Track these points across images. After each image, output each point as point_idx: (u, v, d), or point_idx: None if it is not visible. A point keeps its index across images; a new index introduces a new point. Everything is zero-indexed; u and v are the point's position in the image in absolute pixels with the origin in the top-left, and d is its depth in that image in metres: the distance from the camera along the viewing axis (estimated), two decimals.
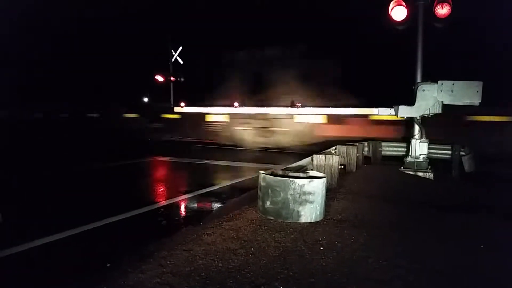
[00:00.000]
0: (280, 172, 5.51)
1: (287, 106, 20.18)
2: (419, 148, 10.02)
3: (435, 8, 9.00)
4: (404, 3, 9.31)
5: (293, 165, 6.70)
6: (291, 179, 4.90)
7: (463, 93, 9.27)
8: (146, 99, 32.46)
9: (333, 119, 18.93)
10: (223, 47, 27.84)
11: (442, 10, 8.85)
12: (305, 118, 19.38)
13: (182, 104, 25.29)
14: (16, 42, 30.37)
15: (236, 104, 23.38)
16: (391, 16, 9.48)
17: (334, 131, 18.51)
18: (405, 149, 10.85)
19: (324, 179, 5.12)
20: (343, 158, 9.17)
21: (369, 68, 20.97)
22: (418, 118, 10.00)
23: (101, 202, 7.06)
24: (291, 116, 19.52)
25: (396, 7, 9.36)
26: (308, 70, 24.11)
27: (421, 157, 10.01)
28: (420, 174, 9.79)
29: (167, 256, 3.71)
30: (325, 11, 24.04)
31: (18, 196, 7.51)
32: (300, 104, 18.81)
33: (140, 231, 5.39)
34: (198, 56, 28.78)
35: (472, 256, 3.99)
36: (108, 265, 3.92)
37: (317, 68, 23.82)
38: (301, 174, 5.53)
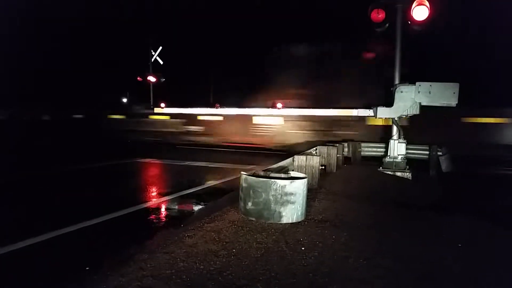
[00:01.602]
0: (262, 173, 5.52)
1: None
2: (397, 148, 10.20)
3: (412, 11, 9.17)
4: (383, 6, 9.46)
5: (275, 166, 6.71)
6: (272, 180, 4.91)
7: (440, 94, 9.49)
8: (125, 100, 32.09)
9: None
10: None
11: (420, 14, 9.01)
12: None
13: (162, 105, 25.09)
14: None
15: (217, 105, 23.38)
16: (370, 19, 9.61)
17: None
18: (383, 150, 11.04)
19: (305, 179, 5.15)
20: (323, 159, 9.25)
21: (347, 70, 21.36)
22: (396, 119, 10.19)
23: (80, 204, 6.91)
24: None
25: (375, 9, 9.50)
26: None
27: (399, 157, 10.20)
28: (399, 174, 9.98)
29: (148, 259, 3.66)
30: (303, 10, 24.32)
31: None
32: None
33: (120, 234, 5.29)
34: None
35: (451, 255, 4.07)
36: (87, 268, 3.83)
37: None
38: (283, 175, 5.55)
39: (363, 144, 11.80)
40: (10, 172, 10.28)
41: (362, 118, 15.17)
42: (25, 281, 3.80)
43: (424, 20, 9.10)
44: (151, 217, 6.21)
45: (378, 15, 9.50)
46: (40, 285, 3.70)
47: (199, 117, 21.42)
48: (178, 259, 3.66)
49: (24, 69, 30.85)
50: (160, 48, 28.58)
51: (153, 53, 28.48)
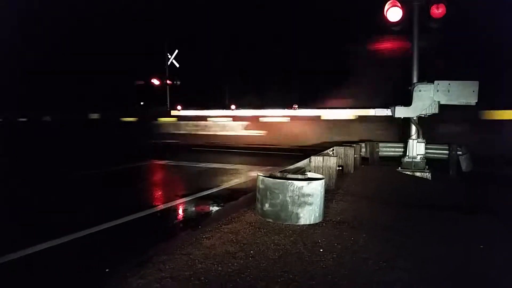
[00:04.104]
0: (279, 174, 5.49)
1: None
2: (416, 148, 10.04)
3: (430, 9, 9.03)
4: (399, 4, 9.34)
5: (291, 167, 6.69)
6: (289, 181, 4.89)
7: (459, 93, 9.31)
8: (142, 103, 32.56)
9: None
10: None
11: (438, 11, 8.88)
12: None
13: (179, 107, 25.34)
14: (7, 44, 30.34)
15: (233, 106, 23.51)
16: (386, 17, 9.51)
17: None
18: (402, 150, 10.88)
19: (323, 180, 5.11)
20: (340, 159, 9.16)
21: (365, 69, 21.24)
22: (414, 118, 10.03)
23: (99, 206, 7.02)
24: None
25: (391, 8, 9.39)
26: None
27: (419, 157, 10.03)
28: (418, 174, 9.82)
29: (166, 260, 3.68)
30: (321, 11, 24.27)
31: (15, 201, 7.45)
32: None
33: (139, 236, 5.35)
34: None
35: (473, 257, 3.98)
36: (107, 270, 3.87)
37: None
38: (300, 176, 5.52)
39: (381, 144, 11.65)
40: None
41: None
42: (43, 283, 3.87)
43: (442, 17, 8.96)
44: (168, 218, 6.26)
45: (395, 13, 9.39)
46: (59, 287, 3.76)
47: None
48: (196, 260, 3.67)
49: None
50: (176, 51, 28.83)
51: (169, 56, 28.76)
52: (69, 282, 3.82)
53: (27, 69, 32.10)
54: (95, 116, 28.51)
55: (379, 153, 11.60)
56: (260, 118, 20.97)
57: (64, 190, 8.66)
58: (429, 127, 11.25)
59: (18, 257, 4.37)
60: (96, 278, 3.65)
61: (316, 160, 7.35)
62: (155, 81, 27.81)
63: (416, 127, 10.11)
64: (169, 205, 7.01)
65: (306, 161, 7.43)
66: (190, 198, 7.51)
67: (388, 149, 11.60)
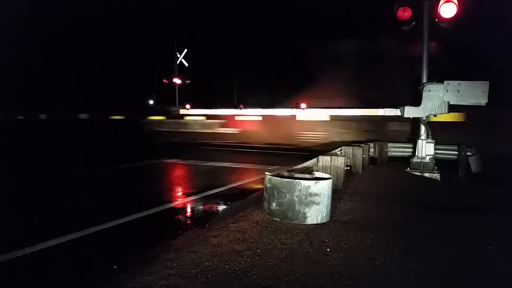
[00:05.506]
0: (286, 174, 5.50)
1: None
2: (426, 148, 9.97)
3: (440, 8, 8.94)
4: (409, 4, 9.27)
5: (299, 166, 6.68)
6: (297, 180, 4.89)
7: (469, 93, 9.22)
8: (151, 101, 32.78)
9: None
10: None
11: (448, 11, 8.78)
12: None
13: (188, 106, 25.46)
14: (17, 42, 30.65)
15: (241, 106, 23.54)
16: (396, 17, 9.44)
17: None
18: (411, 150, 10.81)
19: (330, 180, 5.10)
20: (349, 159, 9.13)
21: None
22: (424, 118, 9.96)
23: (108, 204, 7.08)
24: None
25: (401, 7, 9.32)
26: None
27: (428, 157, 9.96)
28: (427, 174, 9.75)
29: (174, 258, 3.71)
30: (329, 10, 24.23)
31: (24, 199, 7.55)
32: None
33: (147, 233, 5.39)
34: None
35: (481, 258, 3.95)
36: (115, 267, 3.92)
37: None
38: (307, 176, 5.52)
39: (389, 144, 11.58)
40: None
41: None
42: (52, 279, 3.91)
43: (452, 17, 8.86)
44: (176, 216, 6.29)
45: (404, 13, 9.31)
46: (68, 284, 3.80)
47: None
48: (204, 258, 3.70)
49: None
50: (185, 50, 28.96)
51: (178, 55, 28.90)
52: (78, 278, 3.87)
53: (34, 68, 32.46)
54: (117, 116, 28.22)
55: (388, 153, 11.54)
56: None
57: (74, 187, 8.73)
58: None
59: (28, 253, 4.44)
60: (104, 274, 3.69)
61: (324, 159, 7.33)
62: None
63: (425, 127, 10.04)
64: (177, 203, 7.05)
65: (313, 160, 7.42)
66: (198, 197, 7.55)
67: (397, 149, 11.54)
